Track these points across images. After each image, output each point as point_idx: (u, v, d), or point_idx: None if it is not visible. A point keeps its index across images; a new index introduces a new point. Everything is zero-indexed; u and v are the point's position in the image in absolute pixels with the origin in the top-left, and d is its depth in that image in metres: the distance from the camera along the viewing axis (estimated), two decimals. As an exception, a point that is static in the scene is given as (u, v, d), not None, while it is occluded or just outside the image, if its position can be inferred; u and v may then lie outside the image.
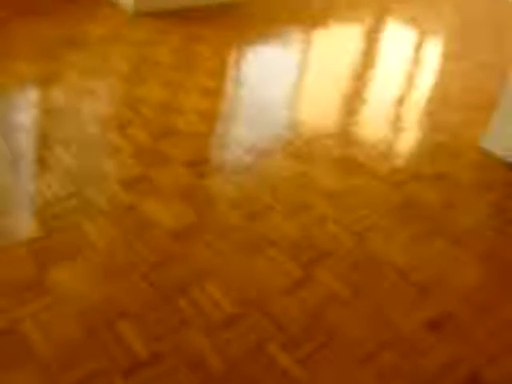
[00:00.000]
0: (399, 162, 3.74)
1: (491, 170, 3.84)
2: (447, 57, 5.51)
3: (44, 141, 3.30)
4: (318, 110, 4.17)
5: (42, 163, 3.11)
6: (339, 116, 4.19)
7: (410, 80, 4.92)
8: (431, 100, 4.66)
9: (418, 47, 5.62)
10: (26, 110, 3.55)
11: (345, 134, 3.95)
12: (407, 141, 4.05)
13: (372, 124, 4.14)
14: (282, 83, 4.43)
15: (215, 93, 4.12)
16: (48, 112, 3.55)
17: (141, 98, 3.83)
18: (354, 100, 4.40)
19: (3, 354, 2.13)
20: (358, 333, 2.50)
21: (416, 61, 5.29)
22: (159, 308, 2.43)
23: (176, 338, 2.31)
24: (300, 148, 3.67)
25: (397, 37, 5.79)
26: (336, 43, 5.28)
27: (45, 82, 3.82)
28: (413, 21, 6.06)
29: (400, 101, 4.52)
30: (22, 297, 2.36)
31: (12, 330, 2.22)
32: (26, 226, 2.72)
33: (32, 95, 3.74)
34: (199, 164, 3.36)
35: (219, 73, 4.39)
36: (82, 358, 2.17)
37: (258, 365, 2.27)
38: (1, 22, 4.33)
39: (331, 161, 3.60)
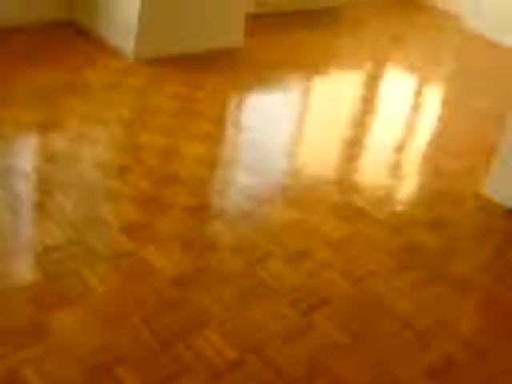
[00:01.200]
0: (399, 208, 3.82)
1: (491, 217, 3.91)
2: (446, 103, 5.62)
3: (44, 187, 3.37)
4: (318, 157, 4.26)
5: (42, 209, 3.18)
6: (339, 162, 4.28)
7: (410, 126, 5.02)
8: (431, 146, 4.75)
9: (418, 94, 5.74)
10: (26, 156, 3.63)
11: (345, 181, 4.03)
12: (407, 187, 4.13)
13: (372, 170, 4.22)
14: (282, 129, 4.53)
15: (215, 139, 4.21)
16: (48, 158, 3.63)
17: (141, 145, 3.91)
18: (353, 146, 4.50)
19: (3, 400, 2.17)
20: (358, 380, 2.54)
21: (416, 107, 5.40)
22: (159, 354, 2.48)
23: (176, 385, 2.35)
24: (300, 194, 3.74)
25: (396, 83, 5.92)
26: (336, 89, 5.40)
27: (45, 128, 3.91)
28: (412, 68, 6.19)
29: (400, 147, 4.62)
30: (22, 342, 2.41)
31: (12, 375, 2.26)
32: (25, 271, 2.77)
33: (32, 141, 3.82)
34: (199, 210, 3.43)
35: (219, 119, 4.49)
36: (82, 405, 2.21)
37: (258, 411, 2.31)
38: (1, 70, 4.43)
39: (331, 207, 3.67)
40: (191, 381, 2.38)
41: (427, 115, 5.33)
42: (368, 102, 5.26)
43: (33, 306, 2.59)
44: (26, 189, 3.31)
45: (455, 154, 4.59)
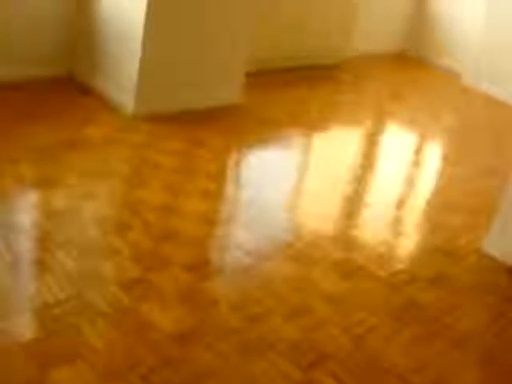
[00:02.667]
0: (399, 265, 3.90)
1: (491, 274, 3.99)
2: (447, 160, 5.75)
3: (44, 243, 3.46)
4: (318, 213, 4.35)
5: (41, 265, 3.26)
6: (339, 218, 4.38)
7: (410, 183, 5.13)
8: (431, 203, 4.86)
9: (418, 150, 5.87)
10: (26, 211, 3.72)
11: (345, 237, 4.12)
12: (407, 243, 4.22)
13: (372, 227, 4.32)
14: (282, 186, 4.63)
15: (215, 195, 4.32)
16: (48, 214, 3.72)
17: (141, 201, 4.01)
18: (353, 203, 4.60)
19: None
20: None
21: (416, 164, 5.53)
22: (159, 410, 2.54)
23: None
24: (300, 250, 3.83)
25: (396, 140, 6.05)
26: (336, 146, 5.52)
27: (45, 184, 4.01)
28: (412, 124, 6.33)
29: (400, 203, 4.72)
30: (22, 398, 2.47)
31: (12, 431, 2.32)
32: (25, 327, 2.84)
33: (32, 197, 3.92)
34: (199, 266, 3.51)
35: (219, 175, 4.60)
36: None
37: None
38: (1, 127, 4.56)
39: (331, 263, 3.76)
40: None
41: (428, 171, 5.45)
42: (368, 159, 5.38)
43: (33, 362, 2.65)
44: (25, 245, 3.40)
45: (455, 211, 4.69)
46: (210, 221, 4.00)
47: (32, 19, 5.28)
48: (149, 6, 4.87)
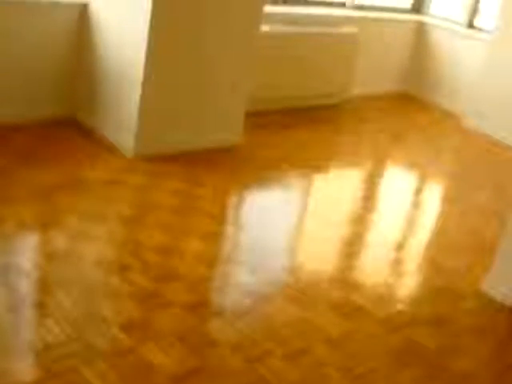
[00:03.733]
0: (399, 306, 3.96)
1: (491, 314, 4.05)
2: (447, 200, 5.84)
3: (44, 284, 3.53)
4: (318, 254, 4.42)
5: (42, 306, 3.32)
6: (339, 259, 4.44)
7: (410, 224, 5.21)
8: (431, 243, 4.93)
9: (418, 191, 5.96)
10: (26, 253, 3.80)
11: (345, 278, 4.18)
12: (407, 284, 4.28)
13: (372, 268, 4.38)
14: (282, 226, 4.70)
15: (215, 236, 4.39)
16: (48, 255, 3.79)
17: (141, 242, 4.08)
18: (354, 244, 4.66)
19: None
20: None
21: (416, 205, 5.61)
22: None
23: None
24: (300, 292, 3.88)
25: (396, 181, 6.14)
26: (336, 187, 5.60)
27: (45, 225, 4.08)
28: (412, 165, 6.42)
29: (400, 244, 4.79)
30: None
31: None
32: (26, 369, 2.89)
33: (32, 239, 4.00)
34: (199, 307, 3.56)
35: (219, 216, 4.68)
36: None
37: None
38: (1, 169, 4.64)
39: (331, 304, 3.81)
40: None
41: (427, 212, 5.53)
42: (368, 200, 5.46)
43: (33, 403, 2.71)
44: (26, 286, 3.46)
45: (455, 251, 4.75)
46: (210, 261, 4.07)
47: (33, 60, 5.37)
48: (149, 47, 4.95)
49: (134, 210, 4.51)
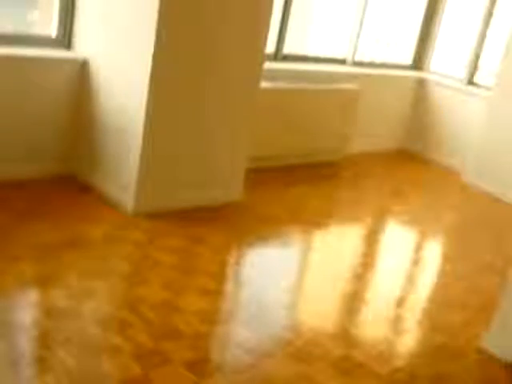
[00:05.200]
0: (399, 363, 4.03)
1: (491, 371, 4.12)
2: (447, 257, 5.94)
3: (44, 341, 3.61)
4: (318, 310, 4.51)
5: (42, 363, 3.40)
6: (339, 316, 4.53)
7: (410, 280, 5.31)
8: (431, 300, 5.02)
9: (418, 248, 6.07)
10: (26, 309, 3.89)
11: (345, 335, 4.26)
12: (407, 341, 4.36)
13: (372, 324, 4.46)
14: (282, 283, 4.78)
15: (215, 293, 4.48)
16: (48, 312, 3.88)
17: (141, 298, 4.17)
18: (354, 300, 4.75)
19: None
20: None
21: (416, 261, 5.71)
22: None
23: None
24: (300, 348, 3.96)
25: (396, 237, 6.25)
26: (336, 243, 5.71)
27: (45, 282, 4.17)
28: (412, 221, 6.53)
29: (400, 301, 4.88)
30: None
31: None
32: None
33: (32, 295, 4.09)
34: (200, 364, 3.64)
35: (219, 273, 4.77)
36: None
37: None
38: (2, 223, 4.75)
39: (331, 361, 3.88)
40: None
41: (427, 269, 5.62)
42: (368, 256, 5.56)
43: None
44: (26, 342, 3.55)
45: (455, 308, 4.83)
46: (210, 318, 4.15)
47: (33, 117, 5.49)
48: (149, 104, 5.06)
49: (134, 267, 4.61)
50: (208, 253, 4.94)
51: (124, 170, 5.37)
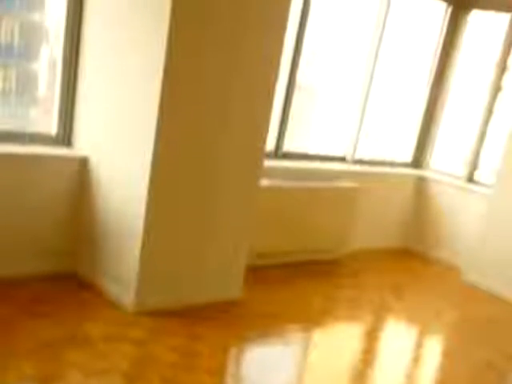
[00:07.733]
0: None
1: None
2: (447, 355, 6.06)
3: None
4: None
5: None
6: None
7: (410, 378, 5.43)
8: (431, 398, 5.15)
9: (418, 345, 6.20)
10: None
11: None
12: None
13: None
14: (282, 381, 4.91)
15: (214, 391, 4.62)
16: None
17: (141, 395, 4.31)
18: (353, 398, 4.89)
19: None
20: None
21: (415, 359, 5.84)
22: None
23: None
24: None
25: (396, 335, 6.38)
26: (336, 341, 5.83)
27: (46, 380, 4.28)
28: (412, 319, 6.66)
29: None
30: None
31: None
32: None
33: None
34: None
35: (219, 371, 4.89)
36: None
37: None
38: (4, 320, 4.92)
39: None
40: None
41: (427, 367, 5.75)
42: (368, 354, 5.69)
43: None
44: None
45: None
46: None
47: (33, 215, 5.66)
48: (149, 202, 5.22)
49: (134, 365, 4.73)
50: (207, 350, 5.05)
51: (124, 268, 5.51)
